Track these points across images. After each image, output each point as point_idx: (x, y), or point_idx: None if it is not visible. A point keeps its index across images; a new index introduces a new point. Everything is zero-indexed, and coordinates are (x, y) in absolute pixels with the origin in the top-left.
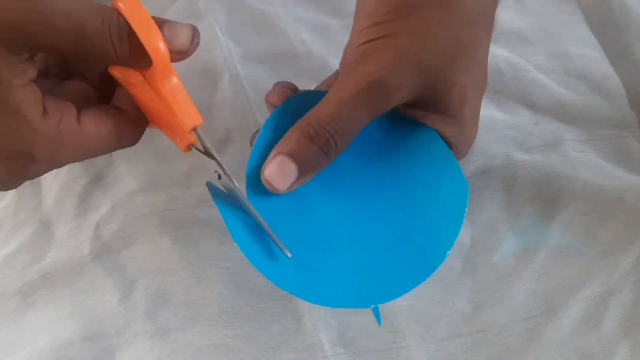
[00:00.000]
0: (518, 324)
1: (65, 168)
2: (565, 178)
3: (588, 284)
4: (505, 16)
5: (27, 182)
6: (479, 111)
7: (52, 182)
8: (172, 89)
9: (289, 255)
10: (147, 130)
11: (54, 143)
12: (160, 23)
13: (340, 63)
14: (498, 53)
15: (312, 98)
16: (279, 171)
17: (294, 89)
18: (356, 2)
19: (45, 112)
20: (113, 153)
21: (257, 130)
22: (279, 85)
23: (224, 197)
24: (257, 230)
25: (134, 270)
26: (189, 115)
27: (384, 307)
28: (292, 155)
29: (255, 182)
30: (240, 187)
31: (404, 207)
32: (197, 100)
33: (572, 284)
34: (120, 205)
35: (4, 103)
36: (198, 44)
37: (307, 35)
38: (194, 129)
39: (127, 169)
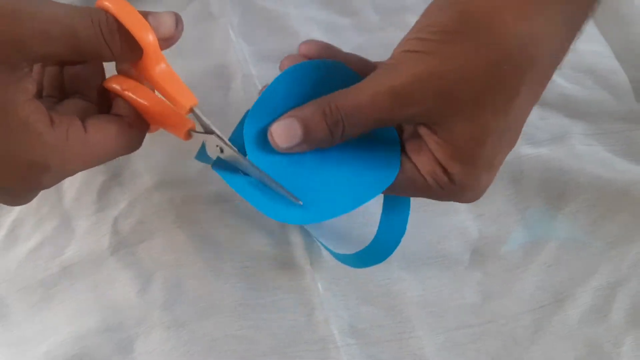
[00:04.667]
0: (526, 315)
1: None
2: (572, 171)
3: (596, 275)
4: None
5: None
6: (499, 165)
7: (72, 179)
8: (164, 73)
9: (300, 202)
10: (161, 129)
11: (64, 151)
12: (145, 15)
13: None
14: None
15: (320, 70)
16: (286, 130)
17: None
18: None
19: (52, 123)
20: None
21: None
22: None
23: (224, 166)
24: (263, 187)
25: (152, 264)
26: (183, 96)
27: (393, 298)
28: (302, 122)
29: (254, 139)
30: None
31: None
32: (211, 100)
33: (579, 276)
34: (138, 200)
35: (13, 118)
36: (182, 29)
37: (318, 35)
38: (191, 109)
39: (144, 166)
